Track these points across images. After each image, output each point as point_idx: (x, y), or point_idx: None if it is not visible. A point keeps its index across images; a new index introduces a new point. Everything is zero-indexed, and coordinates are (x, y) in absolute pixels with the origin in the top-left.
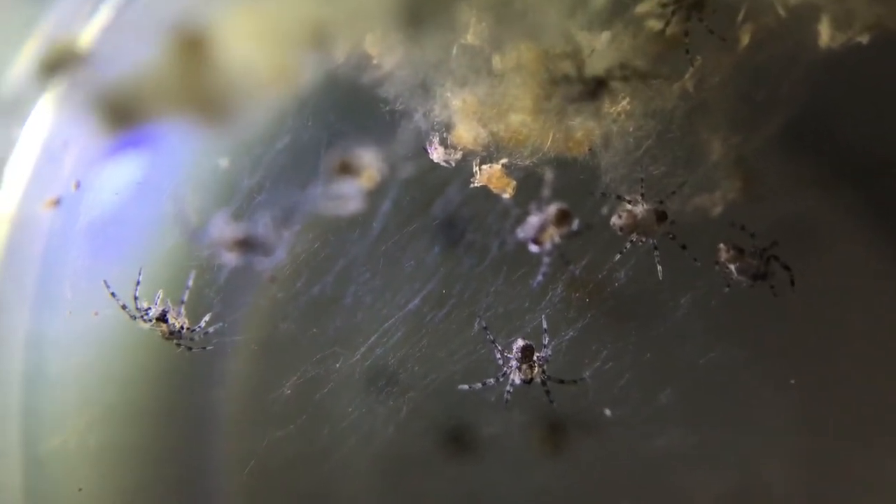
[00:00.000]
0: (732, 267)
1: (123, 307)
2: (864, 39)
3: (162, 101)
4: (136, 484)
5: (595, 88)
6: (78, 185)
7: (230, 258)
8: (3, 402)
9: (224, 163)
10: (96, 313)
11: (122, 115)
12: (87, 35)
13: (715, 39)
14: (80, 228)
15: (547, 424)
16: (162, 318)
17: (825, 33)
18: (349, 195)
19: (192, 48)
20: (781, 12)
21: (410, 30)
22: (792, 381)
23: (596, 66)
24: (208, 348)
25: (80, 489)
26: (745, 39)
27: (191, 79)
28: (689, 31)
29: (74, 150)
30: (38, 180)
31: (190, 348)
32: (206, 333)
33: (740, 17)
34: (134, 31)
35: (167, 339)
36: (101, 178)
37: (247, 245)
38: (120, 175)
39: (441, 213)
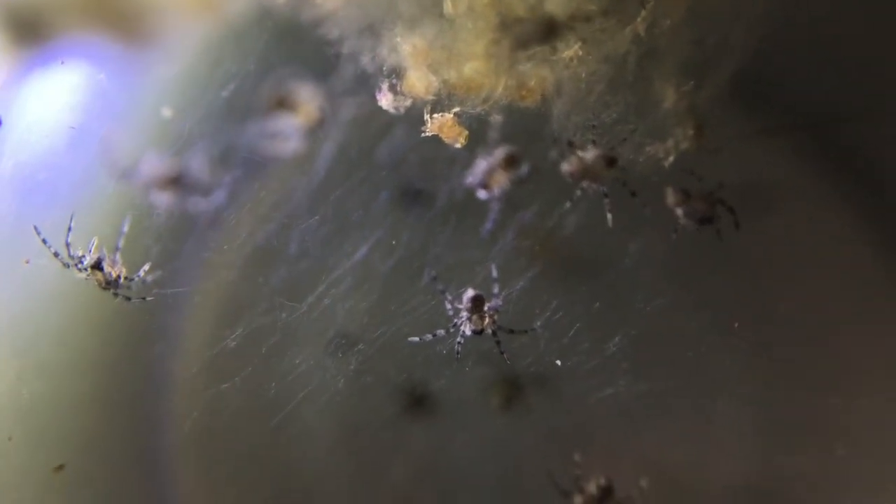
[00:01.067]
0: (679, 211)
1: (56, 255)
2: None
3: (71, 16)
4: (72, 436)
5: (548, 29)
6: (0, 123)
7: (162, 199)
8: None
9: (167, 110)
10: (27, 261)
11: (29, 31)
12: None
13: None
14: (6, 171)
15: (498, 376)
16: (97, 265)
17: None
18: (287, 133)
19: None
20: None
21: None
22: (736, 325)
23: (549, 7)
24: (148, 299)
25: (9, 438)
26: None
27: None
28: None
29: None
30: None
31: (128, 298)
32: (144, 283)
33: None
34: None
35: (104, 288)
36: (27, 118)
37: (179, 183)
38: (50, 117)
39: (387, 158)
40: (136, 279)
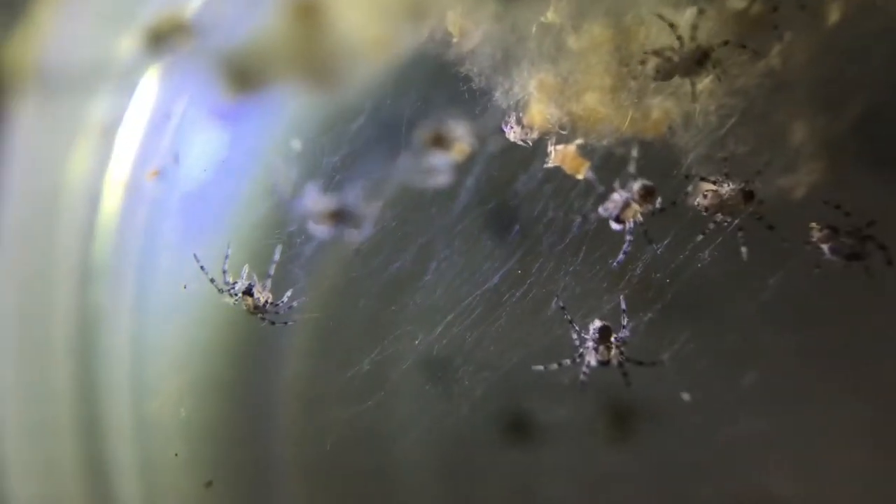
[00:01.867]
0: (825, 247)
1: (212, 281)
2: None
3: (277, 66)
4: (218, 453)
5: (700, 58)
6: (177, 159)
7: (321, 230)
8: (115, 361)
9: (297, 145)
10: (185, 286)
11: (239, 80)
12: (198, 2)
13: (803, 16)
14: (175, 202)
15: (620, 408)
16: (248, 292)
17: None
18: (439, 168)
19: (306, 14)
20: None
21: (497, 6)
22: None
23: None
24: (290, 323)
25: (175, 454)
26: (836, 16)
27: (305, 44)
28: (777, 7)
29: (175, 122)
30: (143, 150)
31: (273, 322)
32: (289, 308)
33: None
34: None
35: (252, 312)
36: (193, 153)
37: (339, 216)
38: (207, 152)
39: (523, 189)
40: (281, 304)
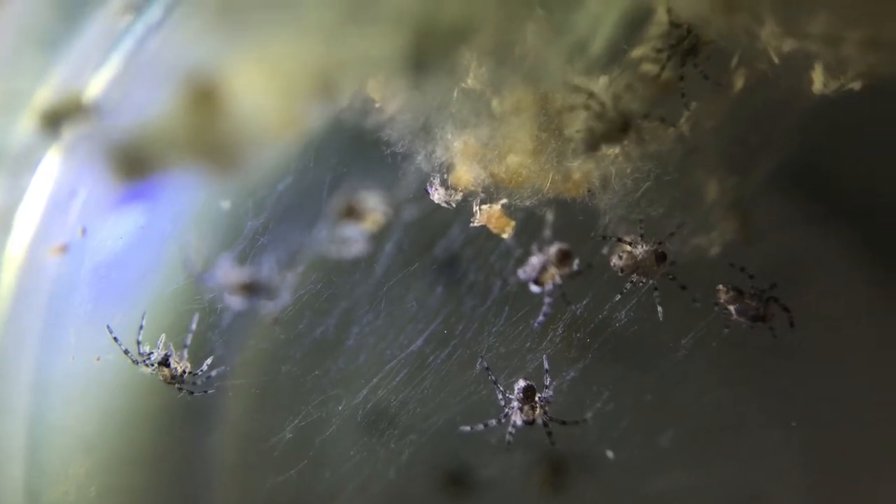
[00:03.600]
0: (732, 308)
1: (126, 352)
2: (856, 86)
3: (172, 152)
4: None
5: (623, 127)
6: (84, 232)
7: (235, 302)
8: (7, 449)
9: (226, 205)
10: (98, 359)
11: (133, 166)
12: (96, 86)
13: (710, 84)
14: (85, 274)
15: (548, 466)
16: (164, 362)
17: (818, 80)
18: (354, 238)
19: (203, 99)
20: (774, 59)
21: (413, 74)
22: (793, 424)
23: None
24: (210, 392)
25: None
26: (739, 84)
27: (202, 129)
28: (684, 76)
29: (81, 198)
30: (45, 227)
31: (192, 392)
32: (208, 377)
33: (734, 63)
34: (144, 81)
35: (169, 383)
36: (106, 223)
37: (252, 289)
38: (124, 220)
39: (443, 253)
40: (200, 373)
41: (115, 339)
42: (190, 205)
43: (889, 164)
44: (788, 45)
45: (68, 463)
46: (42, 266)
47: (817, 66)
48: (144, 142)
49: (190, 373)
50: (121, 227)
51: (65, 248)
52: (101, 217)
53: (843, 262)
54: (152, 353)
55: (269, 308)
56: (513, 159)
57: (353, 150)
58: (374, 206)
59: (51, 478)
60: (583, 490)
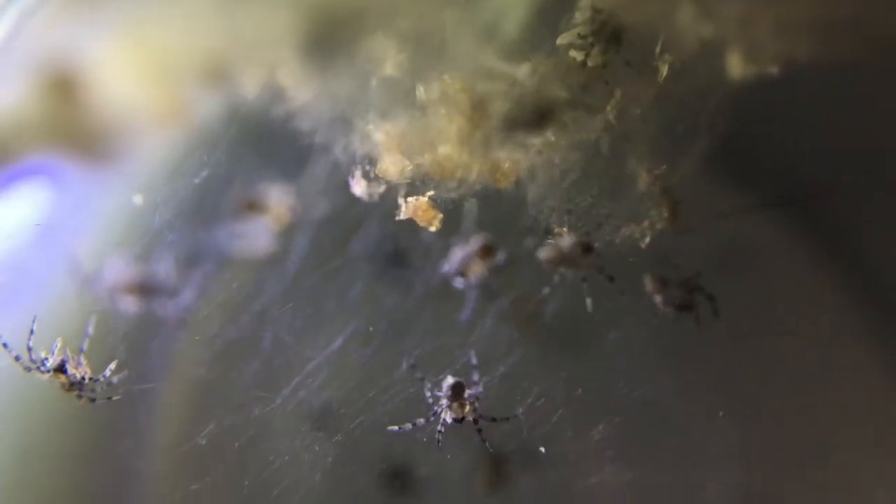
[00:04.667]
0: (658, 298)
1: (16, 359)
2: (773, 70)
3: (33, 141)
4: None
5: (544, 113)
6: None
7: (128, 303)
8: None
9: (139, 200)
10: None
11: None
12: None
13: (635, 72)
14: None
15: (483, 463)
16: (60, 368)
17: (736, 65)
18: (258, 234)
19: (61, 88)
20: (695, 45)
21: (321, 60)
22: (721, 414)
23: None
24: (114, 398)
25: None
26: (664, 71)
27: (62, 118)
28: (607, 63)
29: None
30: None
31: (93, 399)
32: (110, 383)
33: (658, 50)
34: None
35: (67, 390)
36: None
37: (145, 289)
38: (15, 217)
39: (361, 249)
40: (102, 380)
41: (3, 344)
42: (90, 203)
43: (811, 151)
44: (707, 29)
45: None
46: None
47: (735, 50)
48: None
49: (90, 378)
50: (10, 224)
51: None
52: None
53: (772, 250)
54: (47, 359)
55: (171, 309)
56: (439, 150)
57: (262, 142)
58: (278, 200)
59: None
60: (518, 487)
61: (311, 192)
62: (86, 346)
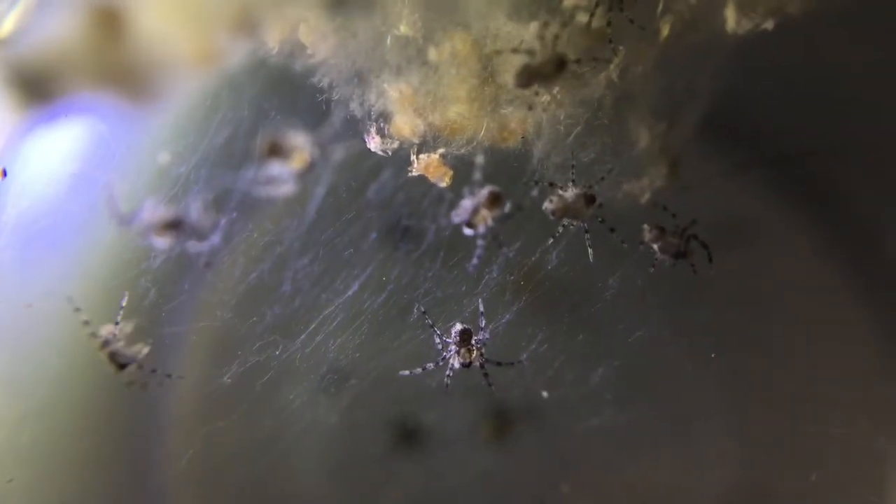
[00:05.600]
0: (655, 246)
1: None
2: (769, 26)
3: (78, 76)
4: (71, 477)
5: (558, 65)
6: (4, 174)
7: (162, 242)
8: None
9: (165, 157)
10: (30, 305)
11: (37, 91)
12: None
13: (638, 30)
14: (9, 218)
15: (487, 408)
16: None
17: (732, 18)
18: (281, 178)
19: (106, 22)
20: (696, 3)
21: (341, 16)
22: (712, 355)
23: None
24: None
25: (9, 480)
26: (665, 30)
27: (107, 53)
28: (611, 22)
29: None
30: None
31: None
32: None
33: (660, 9)
34: (46, 5)
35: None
36: (31, 167)
37: (178, 228)
38: (52, 165)
39: (376, 198)
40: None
41: (77, 309)
42: (123, 153)
43: (807, 108)
44: None
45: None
46: None
47: (730, 3)
48: (48, 67)
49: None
50: (48, 173)
51: None
52: (22, 158)
53: (768, 208)
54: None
55: (199, 249)
56: (449, 108)
57: (284, 94)
58: (300, 145)
59: None
60: (521, 431)
61: (329, 141)
62: (119, 318)
